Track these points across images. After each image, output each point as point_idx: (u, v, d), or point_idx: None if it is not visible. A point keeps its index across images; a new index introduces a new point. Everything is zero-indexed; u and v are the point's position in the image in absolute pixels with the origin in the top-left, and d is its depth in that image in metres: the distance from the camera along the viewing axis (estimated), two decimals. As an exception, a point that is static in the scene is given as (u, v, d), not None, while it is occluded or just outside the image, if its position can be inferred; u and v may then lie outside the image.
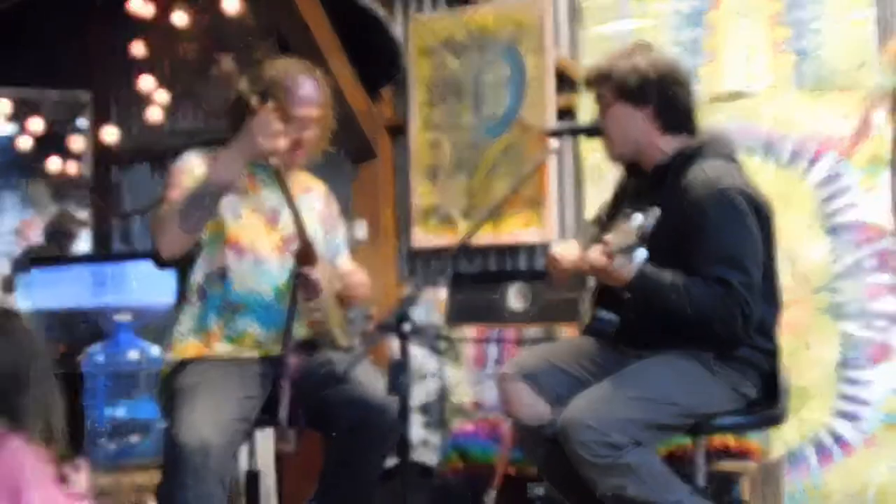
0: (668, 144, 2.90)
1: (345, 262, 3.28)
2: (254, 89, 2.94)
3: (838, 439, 3.99)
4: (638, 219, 2.50)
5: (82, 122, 5.92)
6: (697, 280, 2.65)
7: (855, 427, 3.97)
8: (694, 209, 2.70)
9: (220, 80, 3.06)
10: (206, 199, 2.88)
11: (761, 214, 2.77)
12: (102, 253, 5.82)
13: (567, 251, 3.01)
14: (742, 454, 3.73)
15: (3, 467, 2.05)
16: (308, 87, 3.07)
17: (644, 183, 2.98)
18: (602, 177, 4.25)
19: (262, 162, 3.03)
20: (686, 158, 2.85)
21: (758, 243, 2.74)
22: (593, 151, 4.32)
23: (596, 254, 2.62)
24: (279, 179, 3.00)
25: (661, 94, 2.85)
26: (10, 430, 2.11)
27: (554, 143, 3.10)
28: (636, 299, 2.74)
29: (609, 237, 2.61)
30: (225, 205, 3.00)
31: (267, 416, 2.96)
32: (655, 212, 2.48)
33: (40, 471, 2.09)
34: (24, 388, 2.34)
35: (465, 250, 4.44)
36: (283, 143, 2.92)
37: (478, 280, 4.64)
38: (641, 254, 2.55)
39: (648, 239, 2.51)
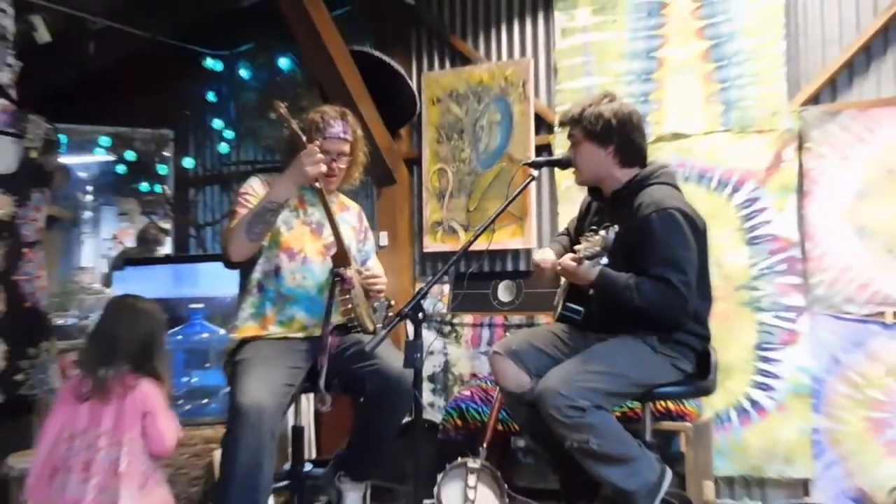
0: (625, 175, 2.92)
1: (373, 265, 3.30)
2: (302, 129, 3.00)
3: (755, 405, 4.02)
4: (601, 234, 2.56)
5: (167, 153, 5.91)
6: (646, 279, 2.68)
7: (768, 396, 4.00)
8: (644, 224, 2.72)
9: (277, 121, 3.06)
10: (266, 215, 2.92)
11: (697, 229, 2.79)
12: (181, 255, 5.81)
13: (545, 257, 3.02)
14: (680, 416, 3.73)
15: (139, 399, 2.74)
16: (338, 127, 3.10)
17: (604, 204, 3.01)
18: (572, 198, 4.31)
19: (308, 186, 3.07)
20: (638, 185, 2.88)
21: (693, 251, 2.75)
22: (565, 178, 4.38)
23: (567, 260, 2.67)
24: (322, 199, 3.03)
25: (620, 136, 2.88)
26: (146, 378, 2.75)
27: (534, 172, 3.10)
28: (598, 295, 2.78)
29: (578, 247, 2.65)
30: (280, 218, 3.04)
31: (309, 383, 3.00)
32: (615, 228, 2.53)
33: (162, 402, 2.82)
34: (157, 350, 2.88)
35: (465, 255, 4.44)
36: (324, 170, 2.96)
37: (474, 278, 4.66)
38: (603, 260, 2.62)
39: (610, 248, 2.56)
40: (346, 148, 3.14)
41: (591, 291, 2.82)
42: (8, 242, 2.80)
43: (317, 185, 2.99)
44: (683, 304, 2.71)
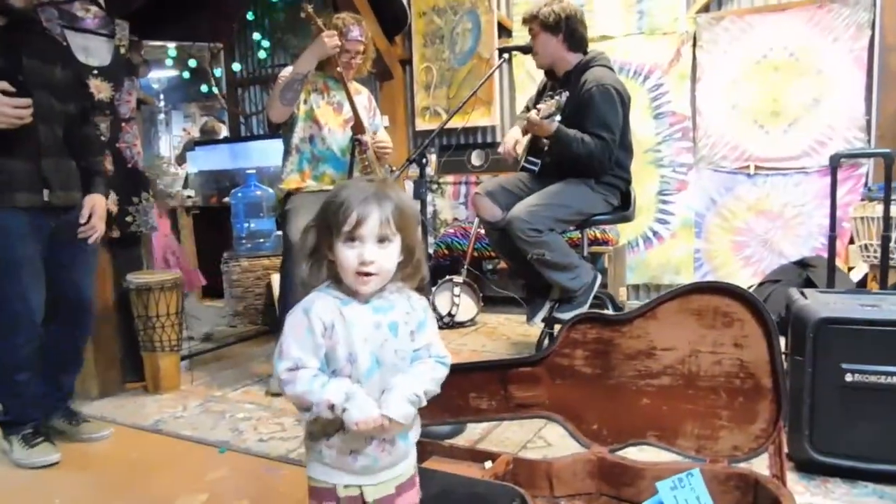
0: (573, 58, 2.83)
1: (382, 134, 3.21)
2: (324, 26, 2.84)
3: (656, 234, 4.07)
4: (555, 98, 2.49)
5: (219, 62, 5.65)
6: (587, 135, 2.64)
7: (665, 228, 4.04)
8: (586, 95, 2.66)
9: (301, 30, 2.87)
10: (294, 84, 2.80)
11: (623, 101, 2.73)
12: (235, 137, 5.64)
13: (511, 135, 2.98)
14: (604, 242, 3.78)
15: None
16: (356, 31, 2.94)
17: (557, 83, 2.90)
18: (524, 87, 4.20)
19: (332, 74, 2.94)
20: (584, 66, 2.79)
21: (620, 117, 2.71)
22: (520, 71, 4.25)
23: (533, 115, 2.59)
24: (342, 83, 2.91)
25: (567, 27, 2.77)
26: None
27: (504, 56, 2.99)
28: (553, 144, 2.71)
29: (539, 106, 2.58)
30: (311, 99, 2.93)
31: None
32: (566, 94, 2.47)
33: None
34: None
35: (447, 131, 4.38)
36: (337, 50, 2.80)
37: (453, 148, 4.57)
38: (557, 118, 2.55)
39: (562, 110, 2.49)
40: (362, 48, 2.98)
41: (547, 143, 2.75)
42: (110, 118, 2.66)
43: (337, 71, 2.87)
44: (610, 155, 2.68)
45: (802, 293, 2.05)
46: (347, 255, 1.12)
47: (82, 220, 2.19)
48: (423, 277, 1.24)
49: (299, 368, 1.12)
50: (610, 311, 3.21)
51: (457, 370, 1.92)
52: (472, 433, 2.23)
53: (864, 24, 3.46)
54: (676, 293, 1.71)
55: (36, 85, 2.06)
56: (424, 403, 1.18)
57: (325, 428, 1.17)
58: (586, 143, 2.62)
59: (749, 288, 3.71)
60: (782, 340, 1.64)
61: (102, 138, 2.65)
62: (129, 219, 2.78)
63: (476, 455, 1.80)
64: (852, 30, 3.49)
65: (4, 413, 2.25)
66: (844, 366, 1.81)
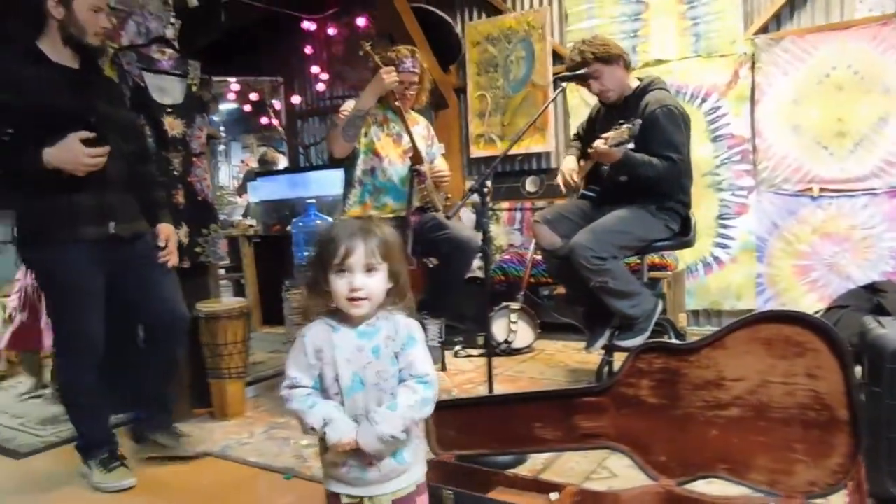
0: (632, 82, 2.83)
1: (439, 163, 3.25)
2: (382, 60, 2.91)
3: (716, 259, 3.99)
4: (626, 126, 2.48)
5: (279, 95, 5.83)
6: (655, 159, 2.62)
7: (725, 252, 3.96)
8: (651, 117, 2.63)
9: (357, 64, 2.95)
10: (356, 120, 2.86)
11: (687, 122, 2.71)
12: (294, 167, 5.79)
13: (570, 165, 2.97)
14: (663, 267, 3.72)
15: None
16: (409, 63, 3.00)
17: (612, 110, 2.88)
18: (579, 112, 4.19)
19: (390, 106, 3.00)
20: (643, 91, 2.78)
21: (686, 138, 2.69)
22: (574, 96, 4.25)
23: (600, 144, 2.58)
24: (400, 115, 2.97)
25: (617, 52, 2.77)
26: None
27: (558, 87, 2.99)
28: (619, 170, 2.69)
29: (608, 135, 2.55)
30: (372, 132, 3.00)
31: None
32: (638, 121, 2.45)
33: None
34: None
35: (503, 158, 4.39)
36: (395, 85, 2.85)
37: (509, 175, 4.58)
38: (630, 146, 2.55)
39: (634, 137, 2.48)
40: (416, 78, 3.04)
41: (607, 170, 2.75)
42: (182, 153, 2.78)
43: (396, 104, 2.93)
44: (680, 176, 2.65)
45: (878, 321, 1.98)
46: (339, 284, 1.29)
47: (161, 245, 2.30)
48: (410, 300, 1.39)
49: (294, 387, 1.31)
50: (672, 338, 3.16)
51: (520, 399, 1.93)
52: (535, 463, 2.21)
53: (933, 41, 3.36)
54: (745, 322, 1.68)
55: (104, 125, 2.16)
56: (403, 437, 1.31)
57: (322, 443, 1.34)
58: (654, 165, 2.60)
59: (815, 313, 3.61)
60: (857, 370, 1.59)
61: (175, 172, 2.78)
62: (198, 249, 2.88)
63: (541, 486, 1.79)
64: (920, 47, 3.39)
65: (80, 438, 2.35)
66: (926, 397, 1.74)
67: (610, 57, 2.74)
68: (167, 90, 2.76)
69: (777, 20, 3.76)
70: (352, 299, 1.28)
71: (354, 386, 1.31)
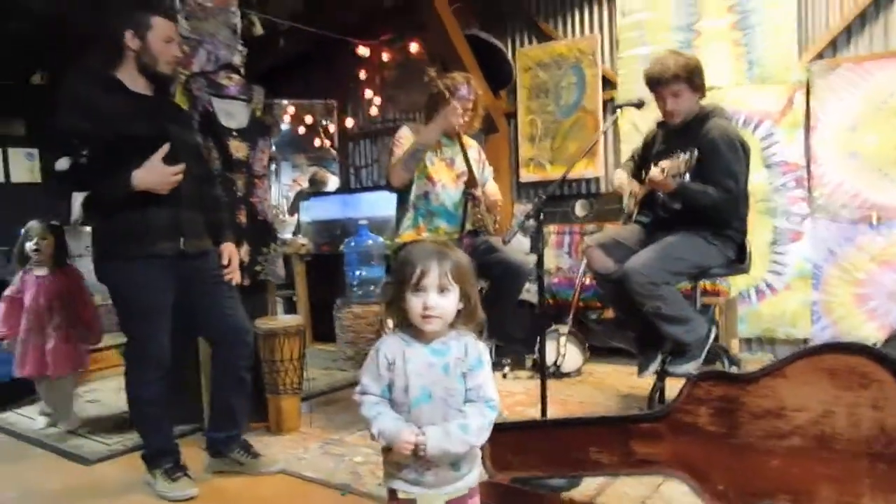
0: (697, 107, 2.80)
1: (491, 186, 3.29)
2: (444, 89, 2.97)
3: (769, 286, 3.93)
4: (683, 157, 2.48)
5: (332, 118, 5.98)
6: (711, 188, 2.61)
7: (779, 279, 3.90)
8: (711, 145, 2.62)
9: (409, 90, 3.01)
10: (418, 153, 2.93)
11: (747, 152, 2.70)
12: (345, 188, 5.92)
13: (622, 178, 3.00)
14: (715, 293, 3.68)
15: None
16: (464, 90, 3.05)
17: (670, 134, 2.87)
18: (630, 137, 4.19)
19: (445, 132, 3.06)
20: (705, 117, 2.76)
21: (745, 167, 2.68)
22: (625, 121, 4.26)
23: (655, 173, 2.58)
24: (459, 141, 3.03)
25: (703, 80, 2.78)
26: None
27: (615, 113, 3.01)
28: (676, 199, 2.71)
29: (664, 163, 2.56)
30: (426, 157, 3.05)
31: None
32: (695, 154, 2.46)
33: None
34: None
35: (551, 181, 4.42)
36: (462, 122, 2.94)
37: (558, 199, 4.59)
38: (687, 178, 2.56)
39: (691, 170, 2.48)
40: (470, 105, 3.09)
41: (661, 195, 2.77)
42: (246, 175, 2.89)
43: (457, 129, 3.00)
44: (737, 205, 2.64)
45: (944, 353, 1.94)
46: (414, 303, 1.39)
47: (224, 263, 2.40)
48: (481, 321, 1.49)
49: (365, 394, 1.43)
50: (725, 365, 3.13)
51: (577, 424, 1.94)
52: (588, 487, 2.21)
53: None
54: (806, 352, 1.67)
55: (175, 148, 2.27)
56: (462, 451, 1.41)
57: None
58: (709, 195, 2.60)
59: (874, 343, 3.53)
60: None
61: (238, 193, 2.88)
62: (258, 268, 2.98)
63: (598, 511, 1.80)
64: (983, 73, 3.32)
65: (146, 448, 2.44)
66: None
67: (697, 81, 2.73)
68: (233, 114, 2.88)
69: (833, 46, 3.72)
70: (425, 317, 1.39)
71: (422, 398, 1.40)
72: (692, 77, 2.71)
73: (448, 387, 1.41)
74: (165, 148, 2.20)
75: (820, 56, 3.74)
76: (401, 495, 1.44)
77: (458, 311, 1.43)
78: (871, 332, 3.58)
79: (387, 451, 1.44)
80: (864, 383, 1.60)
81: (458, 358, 1.43)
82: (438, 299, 1.38)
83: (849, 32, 3.67)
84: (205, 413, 2.76)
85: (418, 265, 1.39)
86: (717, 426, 1.75)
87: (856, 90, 3.62)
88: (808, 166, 3.77)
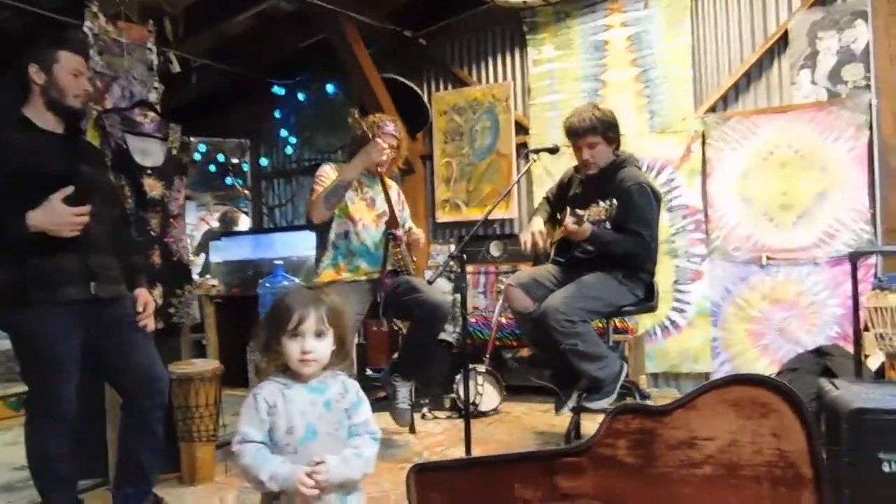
0: (611, 158, 2.97)
1: (410, 222, 3.33)
2: (368, 129, 3.02)
3: (673, 323, 4.15)
4: (603, 205, 2.59)
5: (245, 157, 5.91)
6: (624, 235, 2.76)
7: (682, 317, 4.13)
8: (625, 194, 2.77)
9: (326, 130, 3.04)
10: (339, 190, 2.96)
11: (657, 199, 2.89)
12: (260, 228, 5.82)
13: (535, 225, 3.03)
14: (624, 330, 3.86)
15: None
16: (391, 127, 3.13)
17: (588, 180, 3.01)
18: (543, 181, 4.36)
19: (367, 172, 3.10)
20: (619, 165, 2.94)
21: (656, 214, 2.86)
22: (538, 166, 4.41)
23: (569, 222, 2.68)
24: (381, 180, 3.08)
25: (617, 132, 2.96)
26: None
27: (531, 158, 3.13)
28: (592, 245, 2.82)
29: (581, 213, 2.64)
30: (347, 196, 3.08)
31: (372, 311, 3.07)
32: (615, 203, 2.58)
33: None
34: None
35: (466, 223, 4.54)
36: (384, 158, 3.00)
37: (473, 240, 4.68)
38: (608, 226, 2.68)
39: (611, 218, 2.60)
40: (395, 143, 3.15)
41: (576, 242, 2.86)
42: (161, 214, 2.81)
43: (379, 169, 3.04)
44: (650, 252, 2.81)
45: (833, 383, 2.13)
46: (292, 347, 1.45)
47: (139, 310, 2.31)
48: (351, 361, 1.55)
49: (245, 442, 1.43)
50: (637, 399, 3.26)
51: (501, 461, 1.99)
52: (512, 524, 2.24)
53: (863, 125, 3.66)
54: (714, 385, 1.80)
55: (87, 188, 2.19)
56: (358, 477, 1.48)
57: (266, 497, 1.47)
58: (622, 243, 2.75)
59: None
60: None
61: (152, 233, 2.80)
62: (171, 310, 2.88)
63: (524, 547, 1.83)
64: (852, 130, 3.68)
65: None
66: (882, 455, 1.86)
67: (611, 135, 2.90)
68: (148, 152, 2.81)
69: (724, 101, 4.07)
70: (303, 360, 1.46)
71: (308, 436, 1.46)
72: (608, 131, 2.89)
73: (332, 422, 1.49)
74: (67, 190, 2.08)
75: (713, 109, 4.07)
76: None
77: (333, 352, 1.51)
78: (765, 367, 3.82)
79: (273, 498, 1.45)
80: (764, 413, 1.74)
81: (339, 394, 1.51)
82: (315, 343, 1.46)
83: (737, 89, 4.02)
84: (110, 467, 2.61)
85: (296, 311, 1.45)
86: (635, 458, 1.84)
87: (745, 141, 3.95)
88: (706, 210, 4.06)
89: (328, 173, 3.09)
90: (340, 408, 1.50)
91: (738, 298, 3.98)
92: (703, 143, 4.05)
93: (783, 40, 3.87)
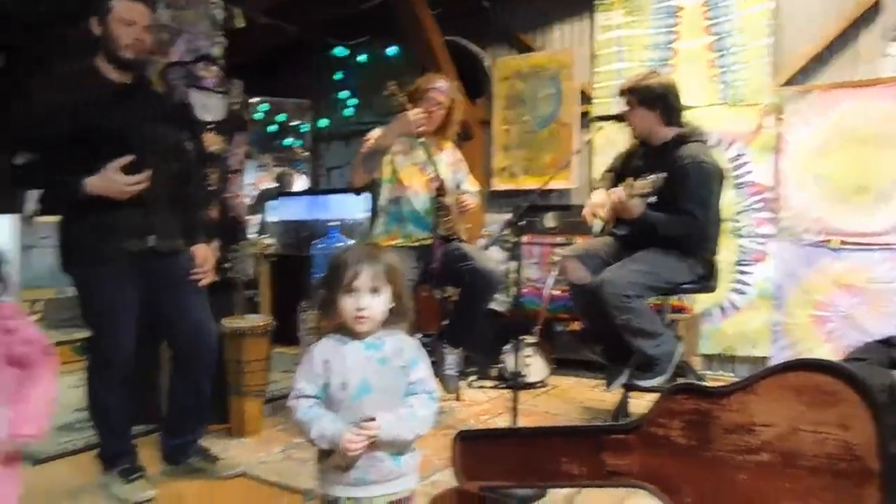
0: (668, 132, 2.87)
1: (467, 185, 3.26)
2: (407, 99, 2.93)
3: (732, 304, 4.01)
4: (651, 178, 2.53)
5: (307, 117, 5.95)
6: (673, 217, 2.67)
7: (742, 298, 3.99)
8: (682, 171, 2.69)
9: (388, 96, 2.98)
10: (375, 155, 2.92)
11: (720, 177, 2.78)
12: (315, 189, 5.87)
13: (595, 197, 2.96)
14: (680, 309, 3.75)
15: None
16: (440, 83, 3.06)
17: (650, 152, 2.93)
18: (605, 151, 4.23)
19: (415, 137, 3.03)
20: (680, 140, 2.83)
21: (715, 194, 2.76)
22: (601, 135, 4.28)
23: (622, 191, 2.63)
24: (424, 146, 3.01)
25: (664, 103, 2.83)
26: None
27: (594, 126, 3.05)
28: (639, 224, 2.76)
29: (633, 182, 2.60)
30: (397, 161, 3.04)
31: (423, 277, 3.03)
32: (664, 175, 2.50)
33: None
34: None
35: (523, 192, 4.46)
36: (421, 127, 2.90)
37: (528, 209, 4.59)
38: (653, 199, 2.61)
39: (658, 191, 2.53)
40: (442, 99, 3.06)
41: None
42: (220, 169, 2.84)
43: (421, 139, 2.97)
44: (700, 232, 2.72)
45: (905, 375, 2.01)
46: (347, 303, 1.44)
47: (198, 265, 2.34)
48: (411, 319, 1.54)
49: (300, 397, 1.44)
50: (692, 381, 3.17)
51: (548, 433, 1.95)
52: (554, 498, 2.22)
53: (957, 103, 3.42)
54: (775, 369, 1.71)
55: (149, 145, 2.21)
56: (410, 438, 1.47)
57: (321, 451, 1.46)
58: (670, 226, 2.67)
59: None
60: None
61: (211, 188, 2.83)
62: (227, 265, 2.93)
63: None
64: (943, 107, 3.45)
65: (103, 448, 2.37)
66: (956, 454, 1.75)
67: (649, 100, 2.80)
68: (209, 107, 2.84)
69: (804, 73, 3.84)
70: (358, 317, 1.45)
71: (363, 391, 1.45)
72: (648, 99, 2.80)
73: (387, 377, 1.47)
74: (125, 159, 2.10)
75: (791, 82, 3.86)
76: (343, 501, 1.45)
77: (390, 310, 1.50)
78: (828, 355, 3.66)
79: (324, 456, 1.45)
80: (830, 401, 1.64)
81: (395, 351, 1.49)
82: (370, 300, 1.45)
83: (818, 60, 3.80)
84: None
85: (350, 267, 1.44)
86: (688, 439, 1.77)
87: (824, 116, 3.74)
88: (776, 189, 3.88)
89: (375, 136, 3.04)
90: (396, 364, 1.48)
91: (803, 282, 3.81)
92: (778, 118, 3.85)
93: (874, 8, 3.62)
